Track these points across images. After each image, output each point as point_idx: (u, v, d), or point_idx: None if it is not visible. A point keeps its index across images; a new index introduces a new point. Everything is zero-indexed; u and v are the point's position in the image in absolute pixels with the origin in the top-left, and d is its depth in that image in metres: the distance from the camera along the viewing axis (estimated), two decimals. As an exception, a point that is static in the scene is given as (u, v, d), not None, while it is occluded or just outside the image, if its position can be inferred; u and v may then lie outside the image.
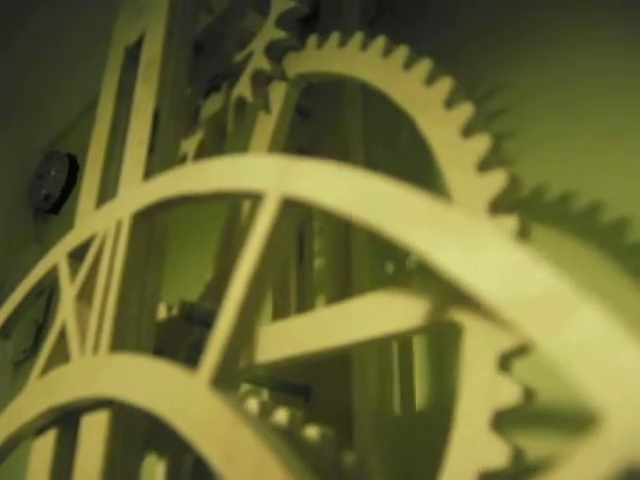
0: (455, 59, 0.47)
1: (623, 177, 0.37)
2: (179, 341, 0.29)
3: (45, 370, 0.28)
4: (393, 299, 0.23)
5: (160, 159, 0.30)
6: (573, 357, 0.12)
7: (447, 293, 0.22)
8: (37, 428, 0.27)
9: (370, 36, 0.32)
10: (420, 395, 0.35)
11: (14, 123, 0.98)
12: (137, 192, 0.26)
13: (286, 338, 0.27)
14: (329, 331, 0.24)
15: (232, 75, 0.37)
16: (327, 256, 0.36)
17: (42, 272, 0.32)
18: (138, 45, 0.36)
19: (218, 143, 0.35)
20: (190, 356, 0.29)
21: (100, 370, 0.24)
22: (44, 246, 0.88)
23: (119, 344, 0.25)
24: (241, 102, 0.35)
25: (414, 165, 0.44)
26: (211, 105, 0.37)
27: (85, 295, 0.28)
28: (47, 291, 0.86)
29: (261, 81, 0.34)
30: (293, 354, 0.27)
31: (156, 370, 0.21)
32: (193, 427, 0.19)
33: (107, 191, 0.33)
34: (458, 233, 0.16)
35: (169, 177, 0.24)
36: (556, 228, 0.38)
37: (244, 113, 0.35)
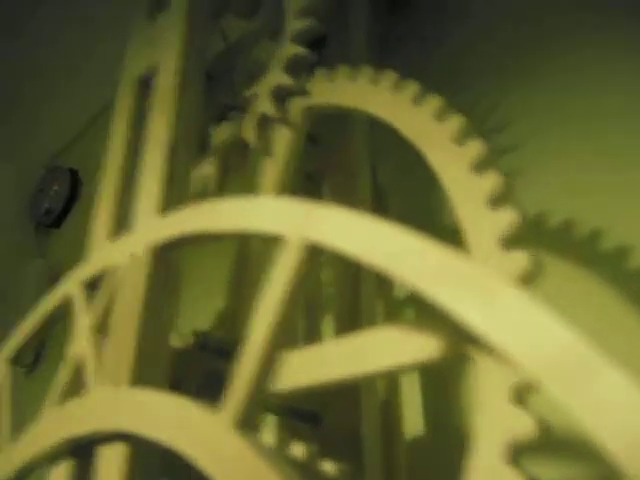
0: (461, 83, 0.48)
1: (626, 198, 0.38)
2: (193, 370, 0.30)
3: (61, 399, 0.28)
4: (404, 332, 0.23)
5: (176, 191, 0.30)
6: (597, 420, 0.12)
7: (459, 327, 0.22)
8: (52, 457, 0.27)
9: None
10: (427, 423, 0.35)
11: (15, 136, 0.98)
12: (154, 226, 0.27)
13: (300, 368, 0.28)
14: (344, 362, 0.24)
15: (240, 108, 0.37)
16: (336, 284, 0.37)
17: (55, 301, 0.32)
18: (151, 75, 0.36)
19: (224, 176, 0.36)
20: (205, 383, 0.30)
21: (120, 404, 0.24)
22: (46, 260, 0.89)
23: (139, 378, 0.25)
24: (245, 143, 0.35)
25: (420, 188, 0.45)
26: (219, 135, 0.37)
27: (101, 326, 0.29)
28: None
29: (264, 124, 0.35)
30: (307, 384, 0.27)
31: (179, 407, 0.21)
32: (217, 466, 0.19)
33: (121, 220, 0.33)
34: (474, 286, 0.17)
35: (188, 213, 0.25)
36: (559, 252, 0.39)
37: (248, 152, 0.35)
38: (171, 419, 0.21)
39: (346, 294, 0.37)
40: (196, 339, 0.31)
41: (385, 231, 0.19)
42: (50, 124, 0.95)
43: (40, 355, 0.83)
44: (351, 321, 0.36)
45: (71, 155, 0.95)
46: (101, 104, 0.98)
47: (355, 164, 0.39)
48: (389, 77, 0.31)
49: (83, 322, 0.29)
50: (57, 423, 0.27)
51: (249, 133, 0.35)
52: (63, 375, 0.29)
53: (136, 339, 0.26)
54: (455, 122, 0.27)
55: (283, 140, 0.34)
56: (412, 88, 0.30)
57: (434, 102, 0.28)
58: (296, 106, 0.35)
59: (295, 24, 0.35)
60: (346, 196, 0.39)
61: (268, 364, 0.19)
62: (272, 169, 0.34)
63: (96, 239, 0.33)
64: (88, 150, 0.96)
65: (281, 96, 0.35)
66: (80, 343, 0.28)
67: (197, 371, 0.30)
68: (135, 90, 0.37)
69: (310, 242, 0.20)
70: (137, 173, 0.35)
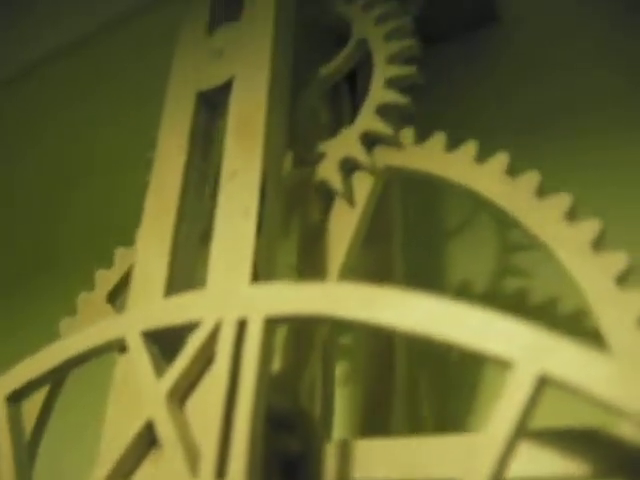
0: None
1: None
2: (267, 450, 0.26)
3: (115, 474, 0.24)
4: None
5: (267, 237, 0.27)
6: None
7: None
8: None
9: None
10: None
11: None
12: (284, 294, 0.23)
13: (384, 459, 0.26)
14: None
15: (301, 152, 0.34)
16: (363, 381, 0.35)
17: (97, 343, 0.27)
18: (219, 91, 0.32)
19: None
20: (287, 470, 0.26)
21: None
22: None
23: (252, 473, 0.22)
24: (323, 188, 0.32)
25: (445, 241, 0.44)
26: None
27: (177, 395, 0.24)
28: None
29: (349, 169, 0.32)
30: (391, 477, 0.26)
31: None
32: None
33: (178, 255, 0.29)
34: None
35: (349, 292, 0.22)
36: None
37: (327, 200, 0.32)
38: None
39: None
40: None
41: (615, 368, 0.18)
42: None
43: None
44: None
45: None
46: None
47: (390, 232, 0.38)
48: (500, 159, 0.30)
49: (155, 385, 0.25)
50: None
51: (333, 176, 0.32)
52: (122, 445, 0.24)
53: (250, 428, 0.22)
54: (591, 226, 0.26)
55: (364, 191, 0.32)
56: (533, 178, 0.28)
57: (564, 201, 0.27)
58: (379, 162, 0.32)
59: (390, 70, 0.33)
60: (379, 263, 0.37)
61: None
62: (343, 227, 0.31)
63: (144, 278, 0.29)
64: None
65: (370, 141, 0.32)
66: (151, 410, 0.24)
67: (270, 451, 0.26)
68: (195, 108, 0.32)
69: (543, 374, 0.18)
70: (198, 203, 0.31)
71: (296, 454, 0.27)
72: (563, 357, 0.18)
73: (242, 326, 0.24)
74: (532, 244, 0.29)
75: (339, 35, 0.39)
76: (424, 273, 0.44)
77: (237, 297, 0.25)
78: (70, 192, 0.72)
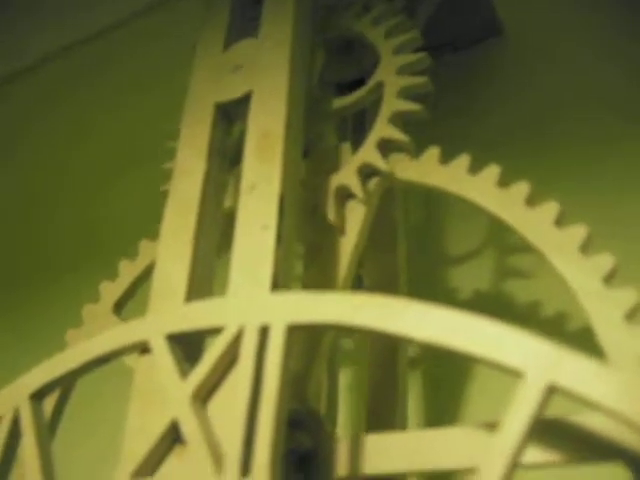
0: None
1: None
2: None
3: (141, 471, 0.25)
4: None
5: (285, 248, 0.28)
6: None
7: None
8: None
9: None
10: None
11: None
12: (305, 303, 0.25)
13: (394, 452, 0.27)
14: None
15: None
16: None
17: (120, 345, 0.28)
18: (236, 104, 0.34)
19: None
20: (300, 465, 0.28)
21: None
22: None
23: (275, 470, 0.23)
24: (341, 193, 0.34)
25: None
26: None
27: (200, 395, 0.26)
28: None
29: (367, 176, 0.34)
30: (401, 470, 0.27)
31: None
32: None
33: (198, 262, 0.30)
34: None
35: (368, 302, 0.23)
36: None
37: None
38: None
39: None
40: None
41: (615, 380, 0.20)
42: None
43: None
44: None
45: None
46: None
47: (395, 242, 0.40)
48: (492, 171, 0.31)
49: (179, 386, 0.26)
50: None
51: (353, 182, 0.33)
52: (149, 443, 0.25)
53: (274, 429, 0.23)
54: (578, 231, 0.28)
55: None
56: (523, 188, 0.30)
57: (552, 208, 0.29)
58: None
59: (402, 81, 0.34)
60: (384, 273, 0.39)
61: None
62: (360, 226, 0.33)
63: (167, 291, 0.30)
64: None
65: (386, 151, 0.34)
66: (176, 410, 0.25)
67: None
68: (213, 119, 0.33)
69: (551, 384, 0.20)
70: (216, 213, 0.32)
71: (308, 450, 0.29)
72: (569, 369, 0.20)
73: (264, 332, 0.25)
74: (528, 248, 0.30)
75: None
76: (427, 283, 0.46)
77: (259, 304, 0.26)
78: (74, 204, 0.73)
